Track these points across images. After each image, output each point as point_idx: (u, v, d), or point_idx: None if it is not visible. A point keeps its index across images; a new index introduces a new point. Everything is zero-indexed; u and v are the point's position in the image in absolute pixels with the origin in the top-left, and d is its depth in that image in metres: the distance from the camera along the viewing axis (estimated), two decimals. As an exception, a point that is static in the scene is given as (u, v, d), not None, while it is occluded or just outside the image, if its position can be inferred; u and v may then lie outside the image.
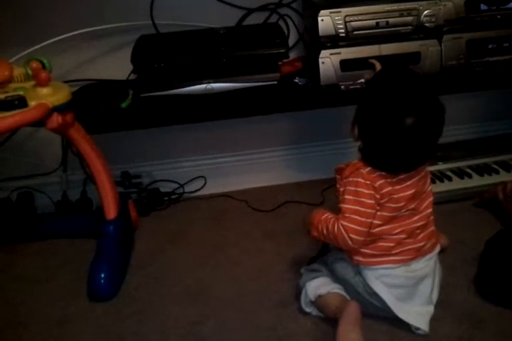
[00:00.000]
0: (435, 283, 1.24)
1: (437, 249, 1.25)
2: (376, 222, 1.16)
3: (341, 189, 1.18)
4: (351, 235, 1.14)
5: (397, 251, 1.18)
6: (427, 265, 1.22)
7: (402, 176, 1.15)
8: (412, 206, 1.17)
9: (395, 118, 1.08)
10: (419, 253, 1.20)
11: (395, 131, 1.09)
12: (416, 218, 1.19)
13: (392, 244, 1.18)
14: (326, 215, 1.20)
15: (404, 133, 1.09)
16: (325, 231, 1.18)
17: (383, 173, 1.14)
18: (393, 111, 1.09)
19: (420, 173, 1.18)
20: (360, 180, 1.15)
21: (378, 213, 1.16)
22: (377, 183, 1.14)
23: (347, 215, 1.15)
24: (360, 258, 1.20)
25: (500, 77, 1.58)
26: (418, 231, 1.20)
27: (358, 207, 1.14)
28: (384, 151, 1.12)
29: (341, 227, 1.15)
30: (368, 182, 1.14)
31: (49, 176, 1.80)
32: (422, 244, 1.20)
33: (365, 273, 1.21)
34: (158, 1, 1.63)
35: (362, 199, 1.14)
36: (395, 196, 1.15)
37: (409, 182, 1.16)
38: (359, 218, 1.14)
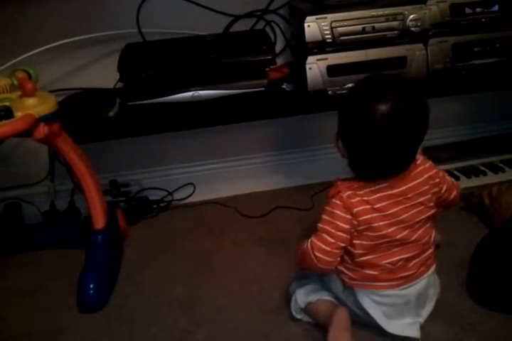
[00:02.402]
0: (428, 300, 1.23)
1: (432, 269, 1.22)
2: (358, 251, 1.14)
3: (325, 207, 1.17)
4: (316, 253, 1.13)
5: (383, 279, 1.16)
6: (420, 285, 1.19)
7: (385, 203, 1.12)
8: (400, 236, 1.14)
9: (371, 115, 1.05)
10: (407, 280, 1.17)
11: (374, 129, 1.05)
12: (406, 249, 1.16)
13: (376, 273, 1.16)
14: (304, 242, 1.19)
15: (382, 130, 1.05)
16: (300, 254, 1.18)
17: (365, 198, 1.11)
18: (368, 109, 1.05)
19: (407, 202, 1.14)
20: (338, 202, 1.13)
21: (357, 242, 1.14)
22: (355, 209, 1.12)
23: (318, 234, 1.15)
24: (347, 280, 1.20)
25: (486, 80, 1.59)
26: (408, 261, 1.16)
27: (329, 228, 1.13)
28: (368, 154, 1.09)
29: (309, 244, 1.15)
30: (346, 206, 1.12)
31: (36, 186, 1.78)
32: (412, 271, 1.17)
33: (354, 289, 1.20)
34: (144, 9, 1.62)
35: (336, 222, 1.12)
36: (375, 224, 1.12)
37: (392, 211, 1.12)
38: (328, 238, 1.13)
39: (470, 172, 1.73)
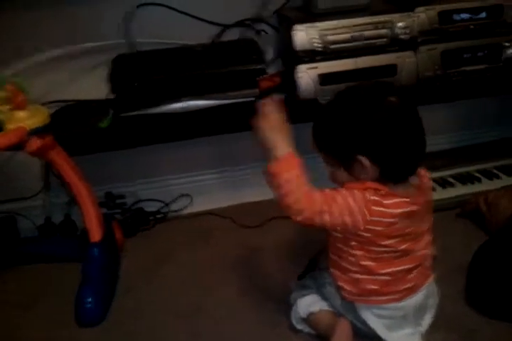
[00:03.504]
0: (428, 310, 1.21)
1: (430, 279, 1.20)
2: (357, 252, 1.13)
3: (343, 190, 1.09)
4: (302, 204, 1.06)
5: (385, 292, 1.15)
6: (418, 296, 1.18)
7: (401, 217, 1.09)
8: (403, 247, 1.12)
9: (390, 111, 1.07)
10: (409, 292, 1.16)
11: (402, 121, 1.07)
12: (406, 259, 1.14)
13: (376, 287, 1.14)
14: (302, 177, 1.10)
15: (408, 120, 1.08)
16: (288, 182, 1.08)
17: (389, 210, 1.07)
18: (385, 105, 1.07)
19: (418, 215, 1.13)
20: (359, 199, 1.06)
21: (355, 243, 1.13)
22: (372, 218, 1.07)
23: (320, 200, 1.07)
24: (346, 295, 1.18)
25: (476, 86, 1.60)
26: (407, 272, 1.15)
27: (334, 209, 1.06)
28: (403, 151, 1.08)
29: (306, 195, 1.07)
30: (364, 210, 1.06)
31: (31, 199, 1.77)
32: (411, 284, 1.16)
33: (355, 303, 1.19)
34: (134, 19, 1.62)
35: (344, 211, 1.06)
36: (378, 241, 1.10)
37: (403, 224, 1.10)
38: (325, 214, 1.06)
39: (465, 179, 1.73)
